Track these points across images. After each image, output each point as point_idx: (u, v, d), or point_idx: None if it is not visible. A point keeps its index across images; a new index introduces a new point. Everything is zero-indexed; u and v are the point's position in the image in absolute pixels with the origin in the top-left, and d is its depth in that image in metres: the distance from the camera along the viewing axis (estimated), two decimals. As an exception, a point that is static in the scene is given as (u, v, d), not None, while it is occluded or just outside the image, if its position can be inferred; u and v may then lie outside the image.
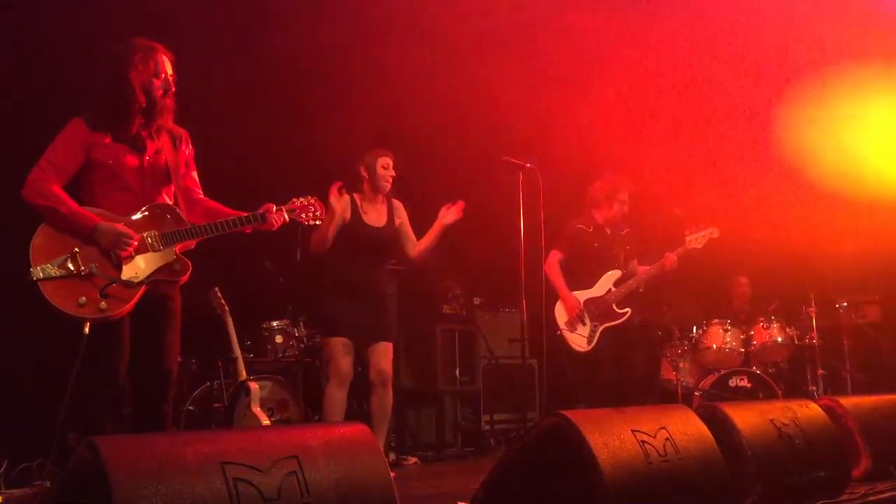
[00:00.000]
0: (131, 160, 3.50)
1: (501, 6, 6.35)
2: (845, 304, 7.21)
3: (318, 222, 3.97)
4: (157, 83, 3.50)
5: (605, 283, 5.72)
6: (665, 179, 6.67)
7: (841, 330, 7.17)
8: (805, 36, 6.35)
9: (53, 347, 4.62)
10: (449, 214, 4.81)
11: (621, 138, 6.75)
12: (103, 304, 3.30)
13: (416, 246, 4.94)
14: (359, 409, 6.74)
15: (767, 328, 6.87)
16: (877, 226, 6.53)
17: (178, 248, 3.52)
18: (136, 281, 3.39)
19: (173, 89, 3.56)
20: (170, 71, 3.56)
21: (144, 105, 3.48)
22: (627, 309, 5.68)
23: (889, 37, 6.27)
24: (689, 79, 6.71)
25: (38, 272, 3.23)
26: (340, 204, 4.62)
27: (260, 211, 3.70)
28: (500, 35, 6.43)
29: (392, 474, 4.60)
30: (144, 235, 3.45)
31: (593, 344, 5.63)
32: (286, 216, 3.79)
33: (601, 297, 5.69)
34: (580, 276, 5.75)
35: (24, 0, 5.07)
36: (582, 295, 5.72)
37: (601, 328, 5.64)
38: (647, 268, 5.79)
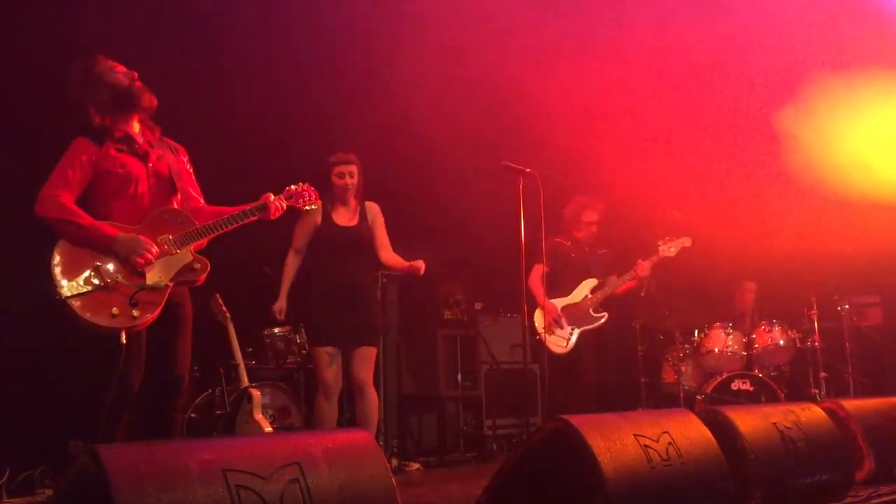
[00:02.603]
0: (138, 168, 3.55)
1: (503, 11, 6.36)
2: (847, 306, 7.20)
3: (313, 207, 4.07)
4: (119, 74, 3.56)
5: (583, 290, 6.09)
6: (666, 184, 6.68)
7: (843, 332, 7.16)
8: (805, 40, 6.36)
9: (56, 357, 4.64)
10: (416, 268, 4.87)
11: (622, 143, 6.75)
12: (135, 312, 3.33)
13: (389, 257, 4.93)
14: (352, 418, 6.76)
15: (769, 331, 6.86)
16: (878, 228, 6.52)
17: (192, 247, 3.56)
18: (162, 284, 3.43)
19: (136, 74, 3.59)
20: (121, 65, 3.60)
21: (117, 98, 3.52)
22: (604, 313, 6.03)
23: (888, 41, 6.28)
24: (691, 84, 6.72)
25: (66, 290, 3.24)
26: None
27: (259, 201, 3.74)
28: (500, 38, 6.43)
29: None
30: (160, 240, 3.49)
31: (570, 346, 5.97)
32: (284, 204, 3.84)
33: (578, 303, 6.06)
34: (560, 285, 6.09)
35: (20, 17, 5.08)
36: (560, 302, 6.07)
37: (578, 331, 5.99)
38: (622, 276, 6.08)
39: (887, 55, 6.32)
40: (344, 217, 4.88)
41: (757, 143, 6.88)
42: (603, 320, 6.00)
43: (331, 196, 4.85)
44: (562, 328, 6.00)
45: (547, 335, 5.91)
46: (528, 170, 4.86)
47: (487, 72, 6.56)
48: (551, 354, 5.91)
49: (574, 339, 5.97)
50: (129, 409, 3.38)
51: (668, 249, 6.01)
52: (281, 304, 4.91)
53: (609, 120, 6.70)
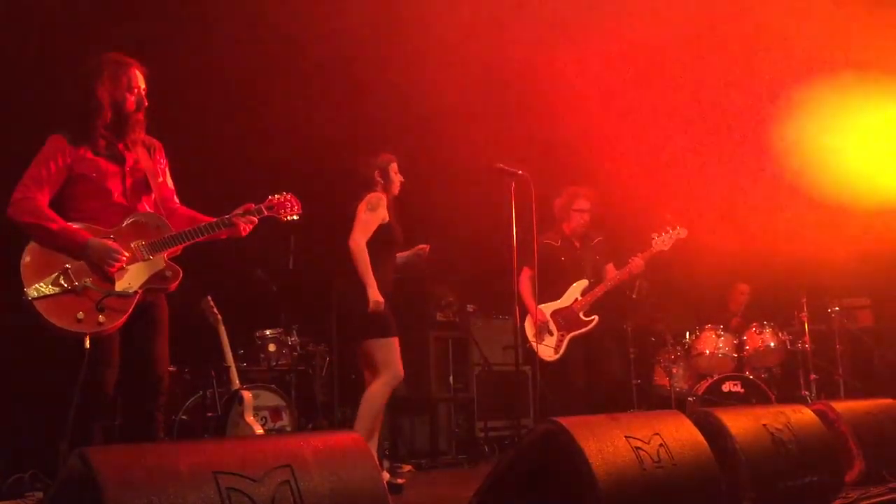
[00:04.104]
0: (113, 172, 3.51)
1: (495, 12, 6.36)
2: (837, 308, 7.23)
3: (296, 217, 3.94)
4: (130, 98, 3.52)
5: (572, 293, 5.88)
6: (657, 185, 6.69)
7: (833, 335, 7.18)
8: (797, 43, 6.39)
9: (44, 360, 4.61)
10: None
11: (613, 145, 6.77)
12: (101, 318, 3.30)
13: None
14: (352, 418, 6.73)
15: (760, 333, 6.88)
16: (868, 231, 6.55)
17: (165, 254, 3.53)
18: (130, 291, 3.40)
19: (146, 104, 3.57)
20: (143, 85, 3.57)
21: (114, 119, 3.48)
22: (594, 317, 5.81)
23: (881, 46, 6.31)
24: (682, 86, 6.74)
25: (32, 291, 3.22)
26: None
27: (239, 210, 3.70)
28: (491, 41, 6.44)
29: (401, 481, 4.59)
30: (133, 245, 3.46)
31: (561, 353, 5.77)
32: (265, 212, 3.78)
33: (567, 307, 5.85)
34: (549, 288, 5.87)
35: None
36: (549, 307, 5.87)
37: (568, 337, 5.78)
38: (616, 273, 5.92)
39: (881, 60, 6.35)
40: (395, 216, 4.96)
41: (750, 146, 6.90)
42: (593, 324, 5.77)
43: (377, 191, 4.89)
44: (551, 334, 5.80)
45: (537, 343, 5.76)
46: (521, 172, 4.86)
47: (480, 73, 6.57)
48: (541, 362, 5.74)
49: (564, 345, 5.76)
50: (102, 413, 3.36)
51: (663, 243, 5.84)
52: (380, 297, 4.67)
53: (603, 121, 6.71)
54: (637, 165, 6.78)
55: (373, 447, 4.73)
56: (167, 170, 3.78)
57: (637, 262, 5.82)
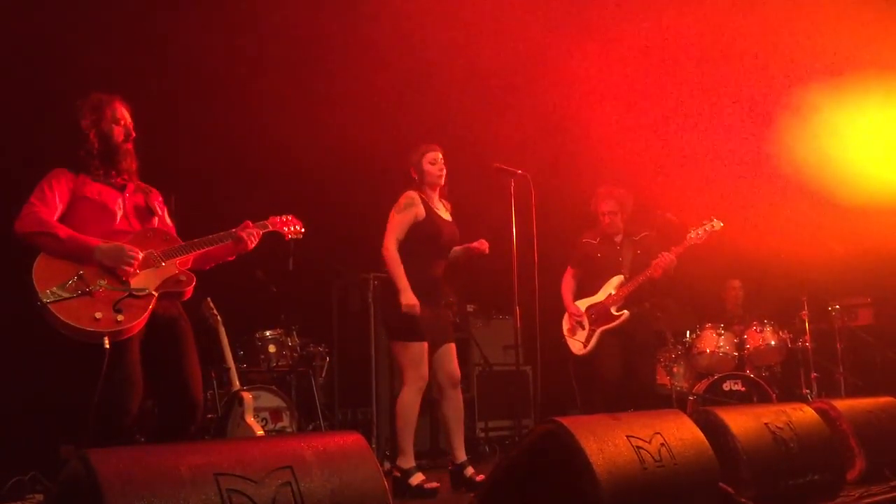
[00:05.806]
0: (115, 197, 3.59)
1: (490, 14, 6.36)
2: (838, 307, 7.22)
3: (299, 236, 4.09)
4: (118, 129, 3.64)
5: (607, 288, 5.91)
6: (657, 184, 6.69)
7: (834, 333, 7.18)
8: (798, 42, 6.38)
9: (44, 363, 4.62)
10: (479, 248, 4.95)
11: (613, 143, 6.76)
12: (119, 317, 3.29)
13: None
14: (353, 419, 6.73)
15: (761, 332, 6.87)
16: (869, 229, 6.55)
17: (177, 261, 3.57)
18: (147, 291, 3.42)
19: (134, 135, 3.69)
20: (128, 118, 3.70)
21: (104, 150, 3.59)
22: (625, 311, 5.78)
23: (880, 46, 6.31)
24: (682, 83, 6.73)
25: (47, 295, 3.20)
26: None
27: (240, 227, 3.81)
28: (489, 40, 6.43)
29: (435, 485, 4.54)
30: (145, 254, 3.49)
31: (590, 347, 5.84)
32: (269, 227, 3.95)
33: (601, 301, 5.89)
34: (588, 285, 6.02)
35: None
36: (585, 303, 5.97)
37: (598, 331, 5.83)
38: (648, 269, 5.86)
39: (882, 59, 6.35)
40: (442, 211, 4.88)
41: (750, 144, 6.90)
42: (622, 319, 5.75)
43: (422, 187, 4.82)
44: (583, 329, 5.90)
45: (569, 337, 5.94)
46: (520, 171, 4.85)
47: (482, 72, 6.56)
48: (572, 355, 5.93)
49: (595, 339, 5.82)
50: (126, 429, 3.32)
51: (697, 237, 5.79)
52: (413, 300, 4.57)
53: (598, 120, 6.70)
54: (637, 166, 6.78)
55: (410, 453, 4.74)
56: (165, 213, 3.86)
57: (666, 257, 5.71)
